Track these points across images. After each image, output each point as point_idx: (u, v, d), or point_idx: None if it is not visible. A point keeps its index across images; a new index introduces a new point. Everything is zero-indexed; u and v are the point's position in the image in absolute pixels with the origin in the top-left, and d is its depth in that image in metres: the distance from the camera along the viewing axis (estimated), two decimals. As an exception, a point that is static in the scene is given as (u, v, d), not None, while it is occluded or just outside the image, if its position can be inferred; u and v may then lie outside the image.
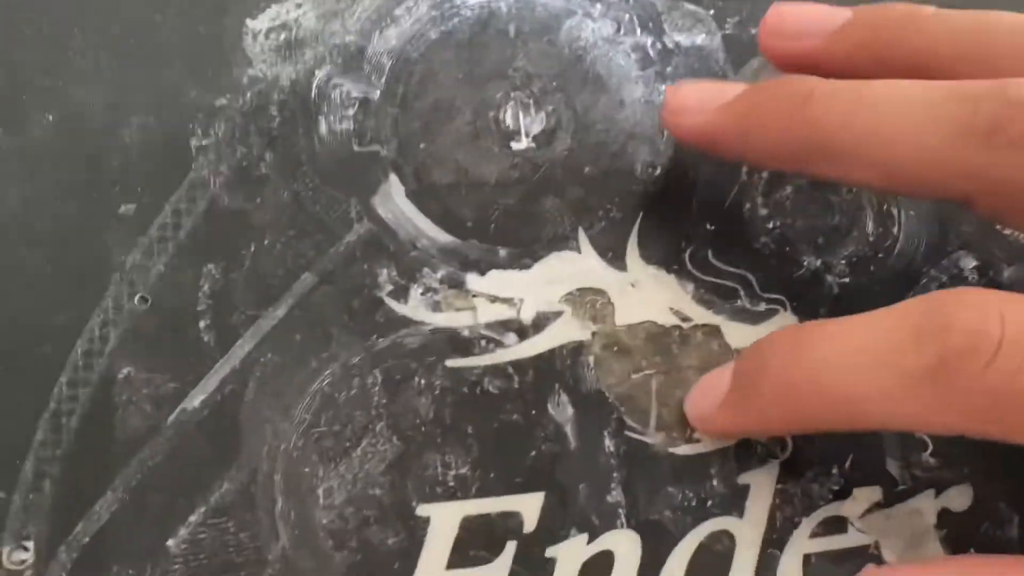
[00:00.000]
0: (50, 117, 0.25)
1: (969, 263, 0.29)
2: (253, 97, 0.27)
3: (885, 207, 0.29)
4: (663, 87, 0.28)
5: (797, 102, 0.25)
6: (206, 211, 0.26)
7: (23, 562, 0.24)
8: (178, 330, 0.25)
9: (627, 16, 0.29)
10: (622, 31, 0.29)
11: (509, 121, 0.27)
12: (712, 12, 0.29)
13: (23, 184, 0.25)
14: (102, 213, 0.25)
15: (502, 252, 0.27)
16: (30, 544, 0.24)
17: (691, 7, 0.29)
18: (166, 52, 0.26)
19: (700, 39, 0.29)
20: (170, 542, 0.24)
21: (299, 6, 0.27)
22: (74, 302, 0.25)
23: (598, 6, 0.29)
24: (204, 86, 0.26)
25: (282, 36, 0.27)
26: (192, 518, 0.25)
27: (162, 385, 0.25)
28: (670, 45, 0.29)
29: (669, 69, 0.29)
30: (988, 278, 0.29)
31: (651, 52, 0.29)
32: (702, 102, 0.28)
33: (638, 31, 0.29)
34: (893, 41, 0.26)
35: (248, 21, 0.27)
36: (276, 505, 0.25)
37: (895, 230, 0.29)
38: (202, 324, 0.25)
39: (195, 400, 0.25)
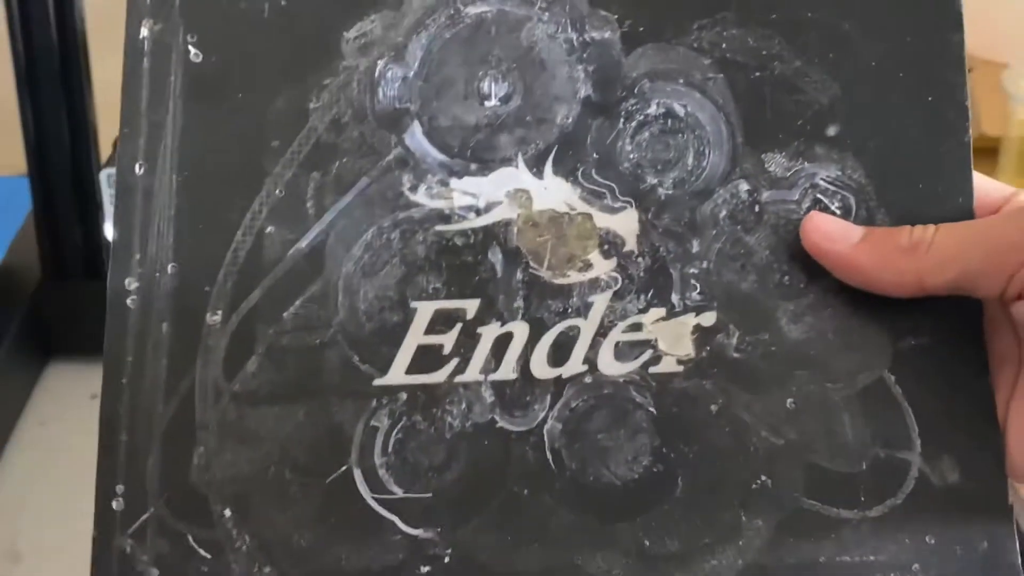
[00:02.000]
0: None
1: (743, 187, 0.49)
2: (343, 77, 0.48)
3: (702, 150, 0.49)
4: (581, 67, 0.49)
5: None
6: (314, 144, 0.48)
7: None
8: (295, 206, 0.47)
9: (563, 19, 0.49)
10: (559, 30, 0.49)
11: (485, 88, 0.49)
12: (616, 16, 0.49)
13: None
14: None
15: (472, 166, 0.48)
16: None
17: (603, 12, 0.49)
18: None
19: (606, 35, 0.50)
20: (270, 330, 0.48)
21: (372, 21, 0.48)
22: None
23: (546, 14, 0.49)
24: (316, 70, 0.48)
25: (362, 40, 0.48)
26: (297, 302, 0.48)
27: (288, 235, 0.48)
28: (587, 39, 0.49)
29: (585, 55, 0.49)
30: (753, 197, 0.49)
31: (575, 43, 0.49)
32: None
33: (568, 29, 0.49)
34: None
35: (343, 32, 0.48)
36: (338, 298, 0.47)
37: (704, 164, 0.49)
38: (308, 202, 0.48)
39: (303, 243, 0.48)
